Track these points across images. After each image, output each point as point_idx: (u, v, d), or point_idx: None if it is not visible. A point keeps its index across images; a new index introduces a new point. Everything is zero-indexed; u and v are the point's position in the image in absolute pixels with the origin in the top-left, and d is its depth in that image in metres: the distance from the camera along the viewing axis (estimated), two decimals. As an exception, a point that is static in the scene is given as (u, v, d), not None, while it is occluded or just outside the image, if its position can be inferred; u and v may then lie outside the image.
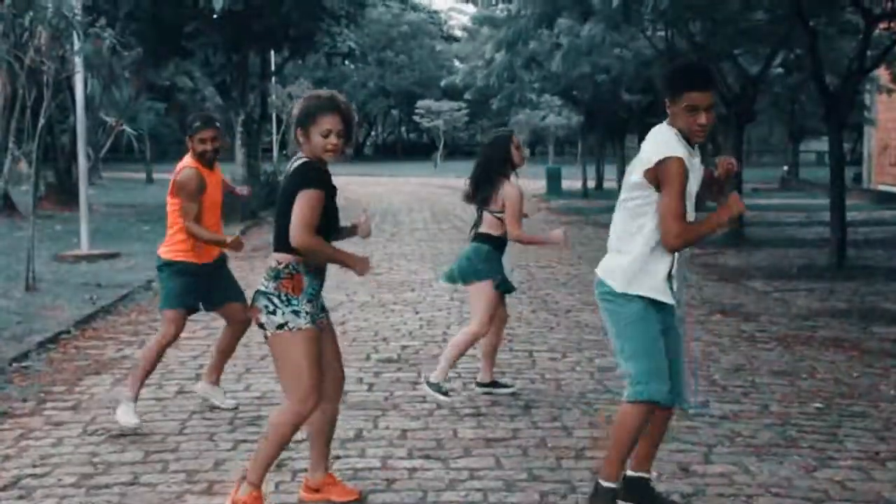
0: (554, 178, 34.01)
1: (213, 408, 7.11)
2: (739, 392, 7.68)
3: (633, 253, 4.85)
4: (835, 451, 6.23)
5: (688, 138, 4.75)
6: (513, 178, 7.28)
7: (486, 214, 7.28)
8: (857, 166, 34.22)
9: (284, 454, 5.99)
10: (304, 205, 4.71)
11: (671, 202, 4.62)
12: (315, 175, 4.84)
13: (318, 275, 4.95)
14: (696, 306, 11.46)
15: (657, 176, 4.68)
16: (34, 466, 5.94)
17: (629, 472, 5.11)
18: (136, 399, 6.76)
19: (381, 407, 7.23)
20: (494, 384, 7.51)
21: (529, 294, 12.34)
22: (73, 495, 5.46)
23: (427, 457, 6.11)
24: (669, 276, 4.89)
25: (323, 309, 5.09)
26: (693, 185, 4.79)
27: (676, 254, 4.87)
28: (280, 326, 4.82)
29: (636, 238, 4.84)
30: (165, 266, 6.92)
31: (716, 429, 6.66)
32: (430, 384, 7.22)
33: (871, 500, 5.39)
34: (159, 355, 6.96)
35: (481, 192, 7.26)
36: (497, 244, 7.28)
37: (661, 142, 4.77)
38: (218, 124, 7.10)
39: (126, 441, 6.42)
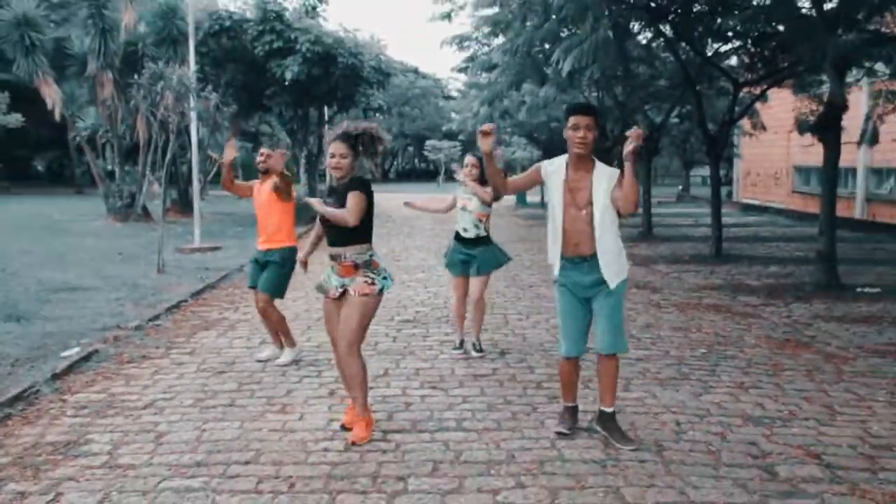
0: (521, 195, 33.96)
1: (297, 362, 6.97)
2: (649, 342, 7.68)
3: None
4: (714, 382, 6.23)
5: (576, 158, 4.68)
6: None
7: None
8: (729, 186, 34.13)
9: (334, 385, 6.03)
10: (357, 199, 4.75)
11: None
12: (362, 182, 4.82)
13: (329, 258, 4.98)
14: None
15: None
16: (164, 393, 5.95)
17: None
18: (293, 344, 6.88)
19: (401, 353, 7.22)
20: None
21: (504, 273, 12.30)
22: (190, 412, 5.48)
23: (433, 387, 6.11)
24: (563, 256, 4.79)
25: (343, 286, 4.97)
26: (553, 188, 4.76)
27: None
28: (380, 292, 4.91)
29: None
30: (288, 251, 6.78)
31: (633, 367, 6.66)
32: (477, 349, 7.06)
33: (738, 415, 5.40)
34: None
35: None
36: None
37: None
38: (268, 147, 7.14)
39: (226, 376, 6.42)
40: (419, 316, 9.00)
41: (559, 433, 4.95)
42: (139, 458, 4.64)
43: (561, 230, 4.76)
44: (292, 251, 6.76)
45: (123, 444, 4.87)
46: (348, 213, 4.71)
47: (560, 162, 4.82)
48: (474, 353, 7.07)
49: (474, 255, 6.98)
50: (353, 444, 4.81)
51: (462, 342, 7.23)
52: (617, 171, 4.77)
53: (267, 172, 6.76)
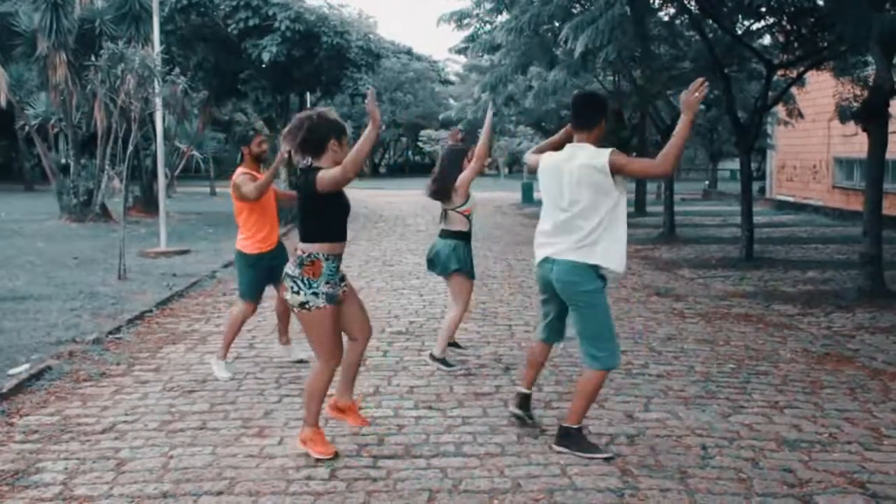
0: (527, 191, 34.05)
1: (301, 361, 7.26)
2: (671, 356, 7.69)
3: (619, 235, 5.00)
4: (744, 401, 6.24)
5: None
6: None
7: (450, 213, 7.13)
8: (761, 181, 34.20)
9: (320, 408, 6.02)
10: (328, 173, 4.78)
11: (637, 162, 5.35)
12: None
13: (336, 259, 4.98)
14: (638, 290, 11.48)
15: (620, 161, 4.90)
16: (126, 415, 5.95)
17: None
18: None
19: (393, 369, 7.23)
20: (454, 344, 7.47)
21: (509, 280, 12.35)
22: (156, 437, 5.48)
23: (429, 407, 6.12)
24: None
25: (342, 280, 5.09)
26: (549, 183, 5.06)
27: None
28: (301, 305, 4.87)
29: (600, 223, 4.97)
30: (241, 256, 7.05)
31: (653, 385, 6.68)
32: (434, 358, 7.13)
33: (772, 438, 5.41)
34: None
35: (443, 196, 7.10)
36: (463, 238, 7.11)
37: (598, 149, 4.97)
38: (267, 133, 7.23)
39: (196, 395, 6.43)
40: (413, 327, 9.00)
41: (609, 457, 5.03)
42: (97, 489, 4.63)
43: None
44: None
45: (79, 473, 4.86)
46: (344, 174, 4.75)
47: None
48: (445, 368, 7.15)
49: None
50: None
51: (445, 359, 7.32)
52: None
53: (263, 161, 7.05)
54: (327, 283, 4.90)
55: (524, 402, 5.58)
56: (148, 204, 23.69)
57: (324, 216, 4.92)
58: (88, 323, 8.85)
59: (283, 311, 7.26)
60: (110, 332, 8.45)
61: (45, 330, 8.41)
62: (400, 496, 4.51)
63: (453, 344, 7.49)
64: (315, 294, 4.86)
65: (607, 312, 5.02)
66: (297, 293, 4.87)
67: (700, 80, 4.65)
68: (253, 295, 7.07)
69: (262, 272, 6.95)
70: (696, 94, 4.60)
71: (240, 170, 6.91)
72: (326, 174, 4.75)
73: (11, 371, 6.86)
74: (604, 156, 4.82)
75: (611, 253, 4.91)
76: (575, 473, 4.80)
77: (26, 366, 7.03)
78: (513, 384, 6.70)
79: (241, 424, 5.73)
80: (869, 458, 5.08)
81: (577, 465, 4.91)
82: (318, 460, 4.98)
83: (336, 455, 5.01)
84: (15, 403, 6.16)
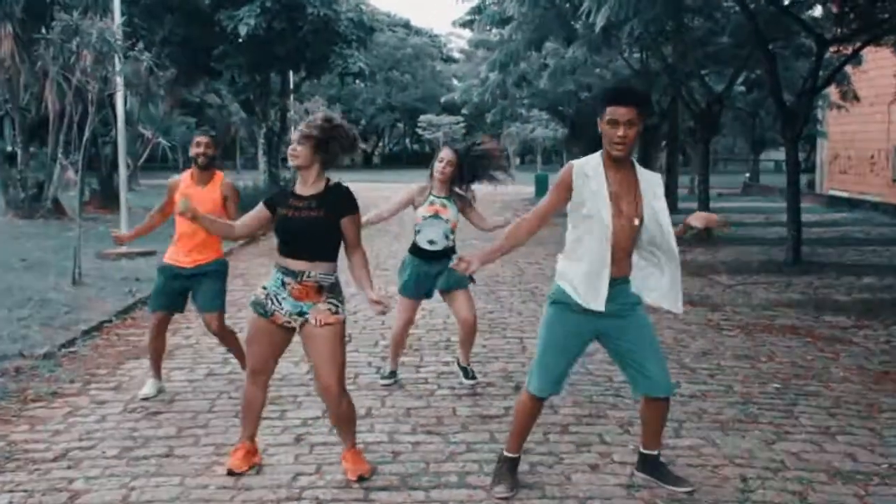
0: (542, 184, 34.09)
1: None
2: (706, 374, 7.69)
3: (559, 257, 5.05)
4: (791, 427, 6.24)
5: (612, 158, 4.68)
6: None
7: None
8: (810, 173, 34.24)
9: (303, 429, 6.05)
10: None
11: (542, 201, 4.93)
12: (272, 193, 5.41)
13: (280, 271, 5.10)
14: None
15: None
16: (81, 440, 5.95)
17: (640, 449, 5.21)
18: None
19: (388, 387, 7.23)
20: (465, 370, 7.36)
21: (520, 287, 12.36)
22: (115, 466, 5.48)
23: (429, 432, 6.12)
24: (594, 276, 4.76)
25: (300, 313, 5.08)
26: (589, 194, 4.68)
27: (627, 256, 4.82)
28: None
29: (565, 247, 4.96)
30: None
31: (685, 406, 6.67)
32: (459, 366, 7.28)
33: (823, 469, 5.41)
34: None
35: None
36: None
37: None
38: (212, 133, 7.16)
39: (162, 418, 6.43)
40: (410, 340, 8.99)
41: (503, 499, 4.96)
42: (48, 524, 4.64)
43: (609, 246, 4.71)
44: (226, 261, 7.18)
45: (28, 506, 4.86)
46: (361, 248, 5.25)
47: (596, 162, 4.76)
48: (467, 381, 7.18)
49: (442, 271, 7.00)
50: (362, 476, 5.15)
51: (394, 373, 7.38)
52: (659, 178, 4.93)
53: (207, 168, 6.91)
54: (264, 288, 5.20)
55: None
56: (107, 198, 23.71)
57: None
58: (38, 335, 8.85)
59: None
60: (63, 346, 8.45)
61: (-12, 342, 8.42)
62: (395, 534, 4.51)
63: (463, 369, 7.33)
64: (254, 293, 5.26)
65: (545, 336, 4.98)
66: (336, 312, 5.16)
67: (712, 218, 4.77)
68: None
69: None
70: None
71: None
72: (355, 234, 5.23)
73: (-50, 389, 6.87)
74: None
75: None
76: (596, 508, 4.80)
77: (-33, 383, 7.03)
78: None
79: (213, 451, 5.73)
80: (934, 492, 5.07)
81: (598, 499, 4.92)
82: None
83: (230, 473, 5.21)
84: (-46, 426, 6.17)
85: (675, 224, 4.79)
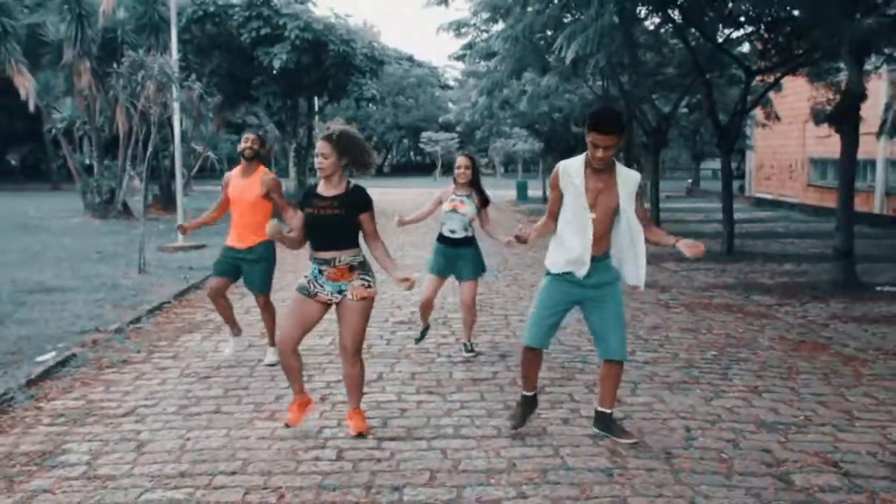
0: (522, 189, 34.09)
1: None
2: (657, 344, 7.69)
3: (552, 238, 5.04)
4: (726, 386, 6.24)
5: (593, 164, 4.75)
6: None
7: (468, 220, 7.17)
8: (741, 179, 34.16)
9: (326, 391, 6.05)
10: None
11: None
12: (301, 196, 5.19)
13: (315, 261, 5.07)
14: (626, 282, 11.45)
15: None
16: (146, 399, 5.94)
17: (597, 407, 5.18)
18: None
19: (396, 356, 7.22)
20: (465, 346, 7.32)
21: (504, 273, 12.36)
22: (174, 420, 5.47)
23: (430, 392, 6.11)
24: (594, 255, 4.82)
25: (340, 291, 5.05)
26: (573, 189, 4.78)
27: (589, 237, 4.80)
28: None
29: (556, 230, 5.01)
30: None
31: (640, 371, 6.67)
32: (466, 347, 7.21)
33: (751, 421, 5.41)
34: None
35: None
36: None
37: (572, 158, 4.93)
38: (259, 133, 7.06)
39: (211, 381, 6.42)
40: (415, 317, 8.98)
41: (514, 429, 5.12)
42: (119, 469, 4.63)
43: (591, 233, 4.79)
44: (272, 244, 6.80)
45: (103, 454, 4.86)
46: (379, 238, 5.17)
47: (578, 164, 4.83)
48: (466, 354, 7.16)
49: (463, 255, 7.06)
50: (361, 433, 5.09)
51: (427, 328, 7.45)
52: (638, 176, 4.92)
53: (252, 159, 6.76)
54: (306, 276, 5.10)
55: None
56: (166, 202, 23.67)
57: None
58: (111, 313, 8.84)
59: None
60: (131, 322, 8.44)
61: (70, 320, 8.41)
62: (402, 475, 4.50)
63: (463, 344, 7.30)
64: (374, 278, 5.17)
65: (539, 299, 5.04)
66: (369, 286, 5.14)
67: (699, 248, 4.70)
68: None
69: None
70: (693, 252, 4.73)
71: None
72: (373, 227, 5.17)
73: (39, 358, 6.86)
74: None
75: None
76: (567, 454, 4.79)
77: (53, 353, 7.03)
78: (508, 370, 6.70)
79: (253, 408, 5.73)
80: (842, 440, 5.07)
81: (568, 447, 4.91)
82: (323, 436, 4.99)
83: (287, 426, 5.18)
84: (43, 389, 6.16)
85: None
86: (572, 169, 4.83)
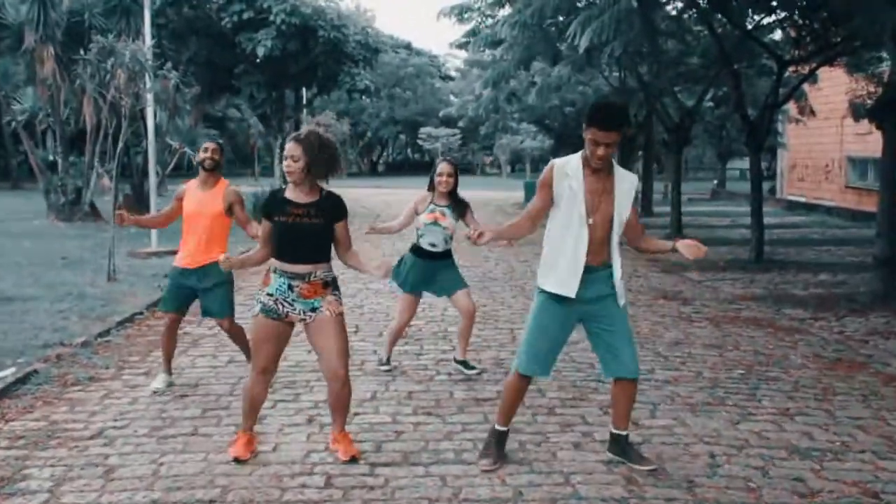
0: (530, 190, 34.01)
1: None
2: (678, 361, 7.69)
3: (544, 251, 4.95)
4: (754, 408, 6.25)
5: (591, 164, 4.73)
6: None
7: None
8: (771, 181, 34.20)
9: (314, 411, 6.06)
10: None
11: (531, 202, 4.92)
12: (266, 203, 5.14)
13: (284, 276, 5.02)
14: (644, 293, 11.49)
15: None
16: (115, 420, 5.95)
17: (611, 429, 5.18)
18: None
19: (391, 373, 7.23)
20: (464, 363, 7.26)
21: (510, 283, 12.36)
22: (146, 443, 5.48)
23: (428, 413, 6.12)
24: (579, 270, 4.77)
25: (313, 309, 5.05)
26: (569, 194, 4.74)
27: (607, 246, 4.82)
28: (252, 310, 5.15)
29: (547, 241, 4.95)
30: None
31: (659, 391, 6.68)
32: (458, 361, 7.21)
33: (782, 446, 5.42)
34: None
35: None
36: (412, 251, 7.20)
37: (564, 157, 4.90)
38: (220, 142, 6.98)
39: (188, 400, 6.43)
40: (412, 331, 8.99)
41: (487, 471, 4.97)
42: (85, 497, 4.64)
43: (586, 239, 4.76)
44: None
45: (67, 481, 4.86)
46: (352, 246, 5.17)
47: (576, 163, 4.81)
48: (468, 372, 7.16)
49: (443, 267, 7.09)
50: (354, 458, 5.11)
51: (389, 360, 7.41)
52: (636, 178, 4.94)
53: (213, 170, 6.70)
54: (270, 295, 5.03)
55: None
56: (138, 203, 23.65)
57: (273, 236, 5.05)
58: (77, 325, 8.85)
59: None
60: (99, 335, 8.45)
61: (31, 332, 8.41)
62: (398, 505, 4.52)
63: (463, 363, 7.28)
64: (256, 300, 5.10)
65: (532, 321, 4.95)
66: (339, 301, 5.15)
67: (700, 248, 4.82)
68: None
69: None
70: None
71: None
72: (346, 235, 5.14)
73: (-3, 375, 6.86)
74: None
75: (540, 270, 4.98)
76: (578, 482, 4.80)
77: (12, 369, 7.03)
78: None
79: (234, 430, 5.72)
80: (883, 468, 5.08)
81: (580, 474, 4.92)
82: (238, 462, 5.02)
83: (237, 461, 5.09)
84: (0, 408, 6.16)
85: (648, 227, 4.81)
86: (569, 168, 4.79)
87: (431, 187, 7.07)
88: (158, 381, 6.80)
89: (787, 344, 8.46)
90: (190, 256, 6.71)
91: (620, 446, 5.11)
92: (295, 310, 5.04)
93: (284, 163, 4.98)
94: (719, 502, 4.55)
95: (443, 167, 7.05)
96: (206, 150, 6.72)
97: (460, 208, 7.04)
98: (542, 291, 4.91)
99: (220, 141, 7.11)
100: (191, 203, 6.69)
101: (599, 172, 4.76)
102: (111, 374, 7.20)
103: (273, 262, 5.07)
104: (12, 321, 8.93)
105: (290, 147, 4.95)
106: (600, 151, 4.63)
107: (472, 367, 7.20)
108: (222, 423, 5.89)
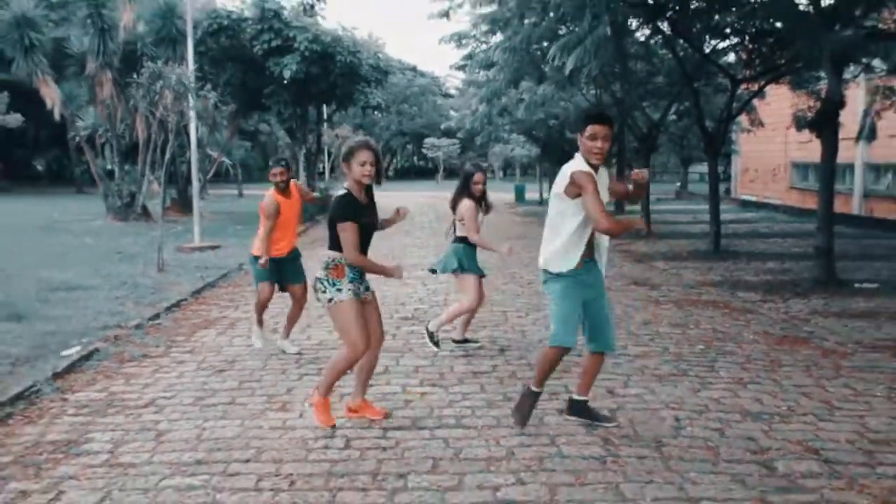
0: (520, 192, 34.10)
1: (283, 352, 7.12)
2: (647, 339, 7.68)
3: (557, 244, 4.78)
4: (713, 378, 6.24)
5: (590, 165, 4.64)
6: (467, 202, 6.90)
7: (458, 223, 7.07)
8: (727, 182, 34.08)
9: (336, 383, 6.03)
10: (345, 235, 4.80)
11: (592, 201, 4.50)
12: (348, 208, 4.83)
13: (356, 268, 4.99)
14: (618, 279, 11.47)
15: (575, 188, 4.59)
16: (164, 391, 5.96)
17: (574, 397, 5.16)
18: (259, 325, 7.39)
19: (400, 350, 7.23)
20: (466, 340, 7.33)
21: (503, 271, 12.33)
22: (191, 411, 5.48)
23: (433, 385, 6.12)
24: (586, 257, 4.78)
25: (367, 288, 5.13)
26: (601, 193, 4.68)
27: (595, 239, 4.81)
28: (329, 301, 4.90)
29: (560, 234, 4.76)
30: (253, 258, 7.15)
31: (631, 364, 6.68)
32: (428, 331, 7.17)
33: (737, 411, 5.41)
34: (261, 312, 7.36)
35: (454, 206, 7.04)
36: (468, 243, 7.02)
37: (573, 165, 4.69)
38: (284, 162, 7.05)
39: (226, 375, 6.43)
40: (418, 313, 9.00)
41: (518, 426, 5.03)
42: (140, 457, 4.64)
43: (589, 232, 4.76)
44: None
45: (124, 443, 4.87)
46: (344, 249, 4.87)
47: (587, 166, 4.68)
48: (475, 345, 7.26)
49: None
50: (387, 414, 5.25)
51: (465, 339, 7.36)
52: (607, 172, 4.93)
53: (286, 189, 6.99)
54: (350, 282, 4.94)
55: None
56: (183, 205, 23.69)
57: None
58: (131, 310, 8.85)
59: (292, 317, 7.24)
60: (150, 319, 8.45)
61: (93, 316, 8.42)
62: (407, 463, 4.51)
63: (466, 340, 7.33)
64: (339, 290, 4.90)
65: (562, 301, 4.82)
66: (325, 292, 4.92)
67: (641, 172, 4.69)
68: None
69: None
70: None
71: (269, 191, 7.02)
72: (344, 239, 4.82)
73: (64, 352, 6.88)
74: (565, 179, 4.69)
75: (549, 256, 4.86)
76: (562, 443, 4.80)
77: (77, 348, 7.04)
78: (507, 363, 6.71)
79: (266, 400, 5.74)
80: (822, 428, 5.07)
81: (564, 436, 4.91)
82: (333, 428, 5.04)
83: (333, 426, 5.04)
84: (68, 381, 6.17)
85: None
86: (589, 168, 4.67)
87: (469, 193, 6.90)
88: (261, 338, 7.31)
89: (740, 323, 8.45)
90: (280, 246, 7.06)
91: (584, 409, 5.13)
92: (362, 291, 5.06)
93: (361, 169, 4.78)
94: (683, 459, 4.55)
95: (478, 175, 6.96)
96: (274, 175, 6.99)
97: (486, 208, 7.07)
98: (562, 276, 4.78)
99: (285, 160, 7.14)
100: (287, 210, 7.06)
101: (596, 170, 4.71)
102: (161, 351, 7.20)
103: (340, 255, 4.87)
104: (76, 307, 8.93)
105: (366, 155, 4.79)
106: (599, 144, 4.58)
107: (474, 341, 7.31)
108: (256, 394, 5.89)
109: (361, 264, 4.91)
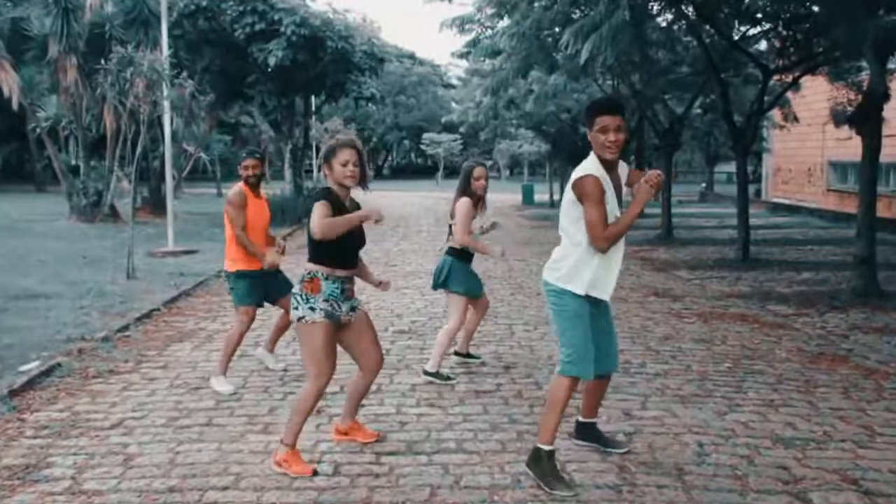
0: (528, 193, 34.16)
1: (267, 368, 7.13)
2: (668, 355, 7.69)
3: (570, 260, 4.60)
4: (740, 400, 6.24)
5: (605, 161, 4.50)
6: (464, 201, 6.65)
7: (452, 227, 6.84)
8: (757, 183, 34.14)
9: (322, 403, 6.04)
10: (316, 211, 4.61)
11: (591, 212, 4.39)
12: (324, 192, 4.77)
13: (338, 281, 4.81)
14: (636, 290, 11.48)
15: (579, 193, 4.48)
16: (134, 411, 5.96)
17: (580, 419, 5.17)
18: (224, 373, 6.67)
19: (395, 367, 7.23)
20: (468, 355, 7.34)
21: (509, 281, 12.35)
22: (163, 433, 5.49)
23: (431, 405, 6.12)
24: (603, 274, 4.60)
25: (353, 308, 4.95)
26: (610, 197, 4.50)
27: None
28: (299, 319, 4.76)
29: (578, 246, 4.57)
30: (234, 275, 6.67)
31: (650, 383, 6.68)
32: (427, 373, 6.77)
33: (767, 436, 5.41)
34: (239, 340, 6.74)
35: (454, 213, 6.79)
36: (459, 255, 6.79)
37: (581, 167, 4.57)
38: (258, 154, 6.82)
39: (202, 392, 6.44)
40: (415, 326, 9.01)
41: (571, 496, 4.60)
42: (106, 484, 4.64)
43: (623, 243, 4.60)
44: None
45: (88, 468, 4.87)
46: (311, 227, 4.66)
47: (599, 168, 4.53)
48: (477, 361, 7.33)
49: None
50: (378, 438, 5.23)
51: (468, 353, 7.40)
52: (626, 167, 4.79)
53: (258, 184, 6.72)
54: (326, 300, 4.77)
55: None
56: (156, 205, 23.73)
57: (322, 242, 4.70)
58: (97, 321, 8.86)
59: (282, 327, 7.05)
60: (119, 330, 8.46)
61: (55, 327, 8.43)
62: (402, 492, 4.51)
63: (468, 355, 7.33)
64: (311, 309, 4.73)
65: (574, 327, 4.63)
66: (297, 308, 4.77)
67: (657, 173, 4.46)
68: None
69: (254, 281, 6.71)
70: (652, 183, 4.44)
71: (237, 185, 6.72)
72: (312, 219, 4.62)
73: (22, 368, 6.88)
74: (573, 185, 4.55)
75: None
76: (574, 470, 4.80)
77: (37, 363, 7.05)
78: (513, 382, 6.71)
79: (246, 421, 5.74)
80: (862, 456, 5.07)
81: (576, 462, 4.91)
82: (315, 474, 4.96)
83: (315, 472, 4.75)
84: (26, 399, 6.18)
85: (639, 227, 4.77)
86: (601, 175, 4.50)
87: (469, 192, 6.68)
88: (222, 385, 6.60)
89: (771, 339, 8.45)
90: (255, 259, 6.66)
91: (593, 433, 5.15)
92: (343, 312, 4.87)
93: (343, 169, 4.72)
94: (707, 489, 4.55)
95: (479, 171, 6.72)
96: (245, 167, 6.63)
97: (483, 210, 6.91)
98: (576, 296, 4.60)
99: (258, 153, 6.88)
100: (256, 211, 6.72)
101: (612, 171, 4.58)
102: (130, 367, 7.21)
103: (321, 268, 4.78)
104: (37, 317, 8.94)
105: (349, 154, 4.74)
106: (612, 137, 4.43)
107: (477, 357, 7.33)
108: (235, 414, 5.89)
109: (331, 225, 4.58)
